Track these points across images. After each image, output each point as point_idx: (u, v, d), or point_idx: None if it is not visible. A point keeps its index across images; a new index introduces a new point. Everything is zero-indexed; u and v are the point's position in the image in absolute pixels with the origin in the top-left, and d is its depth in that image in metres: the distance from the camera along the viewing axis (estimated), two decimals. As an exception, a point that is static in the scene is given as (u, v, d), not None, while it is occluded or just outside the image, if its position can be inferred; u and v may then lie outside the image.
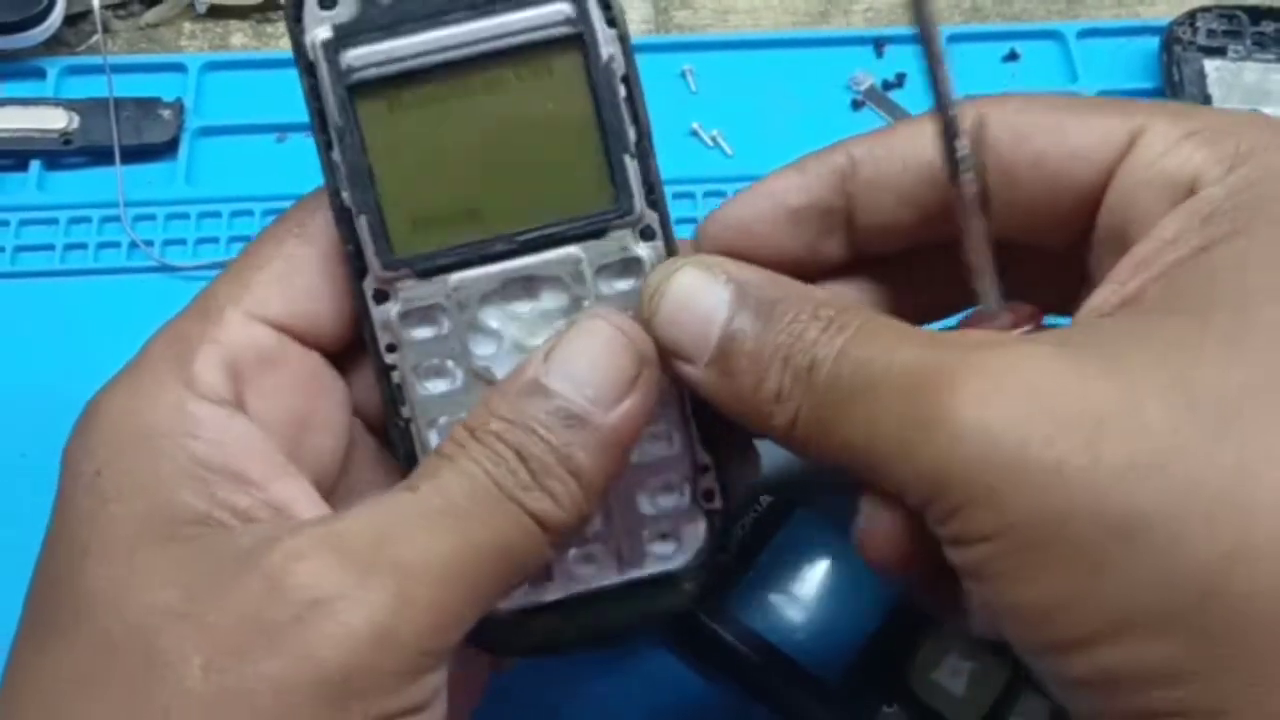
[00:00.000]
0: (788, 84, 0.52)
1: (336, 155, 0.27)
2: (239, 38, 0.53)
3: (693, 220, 0.48)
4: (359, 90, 0.27)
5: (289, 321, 0.28)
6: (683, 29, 0.55)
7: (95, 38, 0.51)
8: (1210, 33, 0.51)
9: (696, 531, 0.31)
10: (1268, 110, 0.50)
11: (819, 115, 0.51)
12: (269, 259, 0.28)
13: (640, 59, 0.57)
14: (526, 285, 0.28)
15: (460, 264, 0.28)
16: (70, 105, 0.49)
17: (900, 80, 0.52)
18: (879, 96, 0.52)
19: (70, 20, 0.52)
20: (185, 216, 0.48)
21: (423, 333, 0.28)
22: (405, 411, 0.29)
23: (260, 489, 0.26)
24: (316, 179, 0.51)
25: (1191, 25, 0.52)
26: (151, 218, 0.48)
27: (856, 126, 0.51)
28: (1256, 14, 0.52)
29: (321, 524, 0.25)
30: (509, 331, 0.29)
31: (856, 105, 0.52)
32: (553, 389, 0.27)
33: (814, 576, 0.38)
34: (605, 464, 0.27)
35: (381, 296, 0.28)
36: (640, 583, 0.31)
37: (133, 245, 0.47)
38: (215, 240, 0.47)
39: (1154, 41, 0.52)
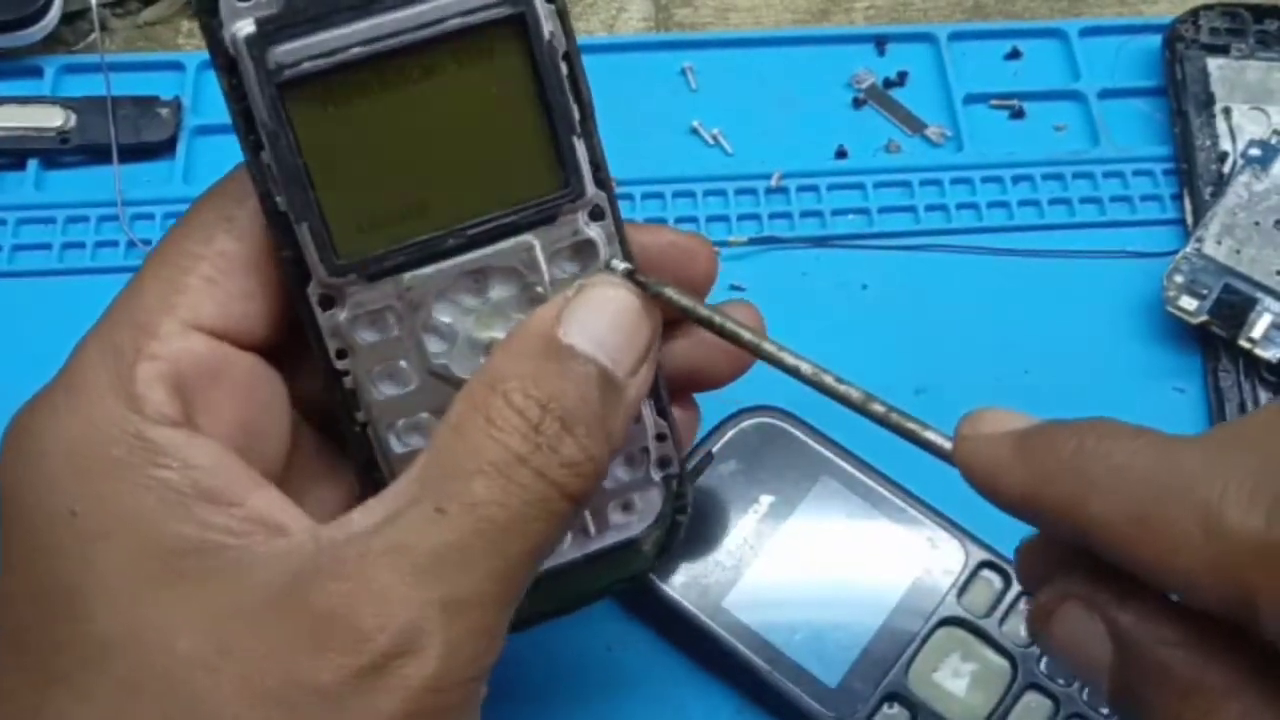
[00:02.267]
0: (788, 82, 0.52)
1: (268, 158, 0.25)
2: (237, 36, 0.53)
3: (692, 220, 0.48)
4: (290, 88, 0.24)
5: (225, 327, 0.26)
6: (683, 27, 0.54)
7: (92, 36, 0.51)
8: (1213, 31, 0.51)
9: (654, 498, 0.31)
10: (1270, 108, 0.49)
11: (820, 113, 0.51)
12: (198, 257, 0.26)
13: (641, 57, 0.57)
14: (477, 277, 0.27)
15: (410, 263, 0.26)
16: (68, 104, 0.49)
17: (902, 79, 0.52)
18: (880, 95, 0.52)
19: (67, 18, 0.51)
20: (183, 215, 0.48)
21: (374, 336, 0.27)
22: (361, 416, 0.28)
23: (239, 506, 0.25)
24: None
25: (1194, 23, 0.51)
26: (150, 217, 0.47)
27: (858, 125, 0.51)
28: (1259, 12, 0.51)
29: (349, 561, 0.23)
30: (462, 326, 0.27)
31: (858, 104, 0.51)
32: (580, 350, 0.25)
33: (814, 576, 0.38)
34: (627, 431, 0.26)
35: (328, 302, 0.27)
36: (602, 552, 0.31)
37: (130, 244, 0.47)
38: (213, 239, 0.47)
39: (1156, 39, 0.52)
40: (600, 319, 0.26)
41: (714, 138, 0.50)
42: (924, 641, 0.37)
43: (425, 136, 0.26)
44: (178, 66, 0.51)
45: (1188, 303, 0.45)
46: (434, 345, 0.27)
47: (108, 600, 0.23)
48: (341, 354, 0.27)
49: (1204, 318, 0.44)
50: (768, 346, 0.27)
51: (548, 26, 0.26)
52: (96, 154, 0.48)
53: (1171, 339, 0.46)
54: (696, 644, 0.38)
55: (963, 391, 0.44)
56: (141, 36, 0.53)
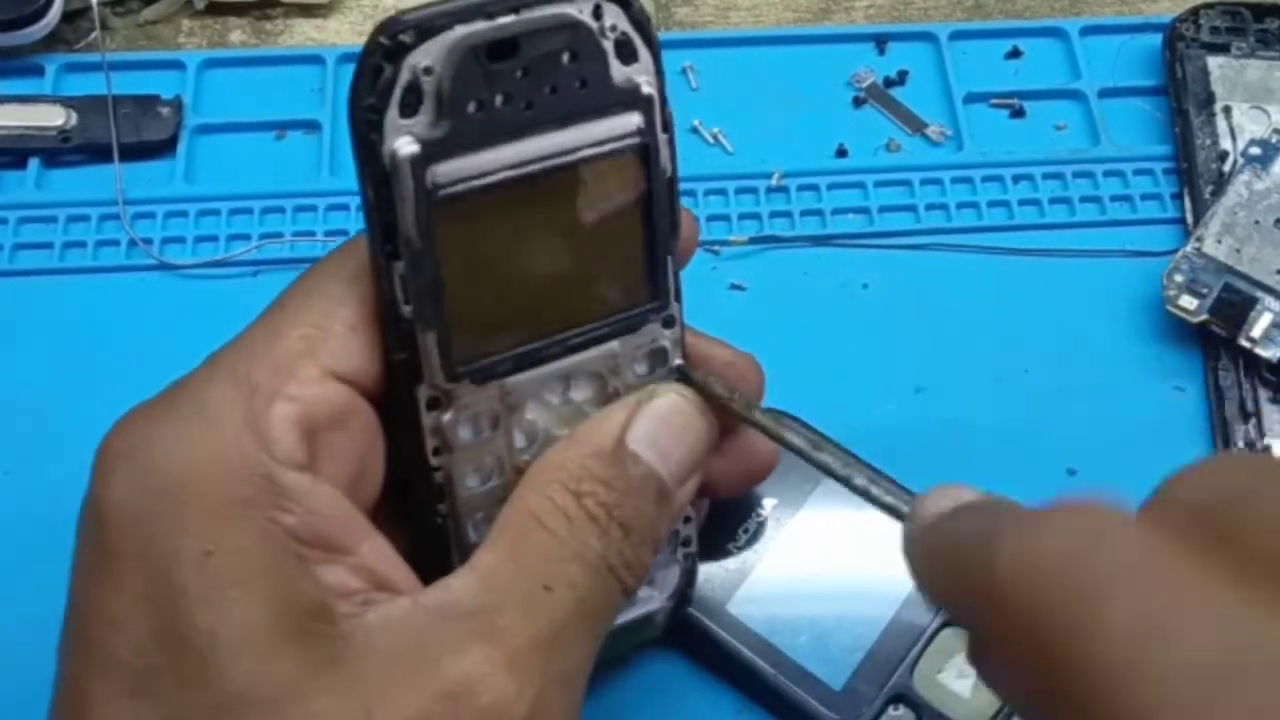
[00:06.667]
0: (789, 81, 0.52)
1: (403, 270, 0.26)
2: (238, 35, 0.53)
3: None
4: (439, 205, 0.25)
5: (358, 377, 0.27)
6: (684, 26, 0.54)
7: (93, 35, 0.51)
8: (1213, 30, 0.51)
9: (673, 574, 0.33)
10: (1270, 108, 0.50)
11: (820, 112, 0.51)
12: (342, 302, 0.27)
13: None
14: (563, 378, 0.29)
15: (515, 368, 0.28)
16: (68, 103, 0.49)
17: (902, 78, 0.52)
18: (881, 94, 0.52)
19: (68, 17, 0.51)
20: (184, 214, 0.47)
21: (473, 436, 0.28)
22: (444, 508, 0.28)
23: (352, 554, 0.25)
24: (315, 176, 0.51)
25: (1194, 22, 0.51)
26: (150, 216, 0.47)
27: (858, 124, 0.51)
28: (1260, 11, 0.52)
29: (480, 630, 0.25)
30: (542, 422, 0.29)
31: (858, 103, 0.51)
32: (643, 459, 0.28)
33: (818, 578, 0.38)
34: (670, 533, 0.29)
35: (434, 403, 0.27)
36: (626, 625, 0.32)
37: (131, 243, 0.47)
38: (214, 238, 0.47)
39: (1157, 38, 0.52)
40: (665, 431, 0.28)
41: (714, 137, 0.50)
42: (928, 643, 0.37)
43: (543, 250, 0.27)
44: (178, 65, 0.51)
45: (1188, 302, 0.45)
46: (520, 441, 0.29)
47: (243, 651, 0.23)
48: (438, 451, 0.28)
49: (1204, 317, 0.44)
50: (821, 456, 0.29)
51: (665, 156, 0.28)
52: (97, 153, 0.48)
53: (1171, 338, 0.46)
54: (700, 646, 0.38)
55: (963, 390, 0.44)
56: (142, 35, 0.53)
